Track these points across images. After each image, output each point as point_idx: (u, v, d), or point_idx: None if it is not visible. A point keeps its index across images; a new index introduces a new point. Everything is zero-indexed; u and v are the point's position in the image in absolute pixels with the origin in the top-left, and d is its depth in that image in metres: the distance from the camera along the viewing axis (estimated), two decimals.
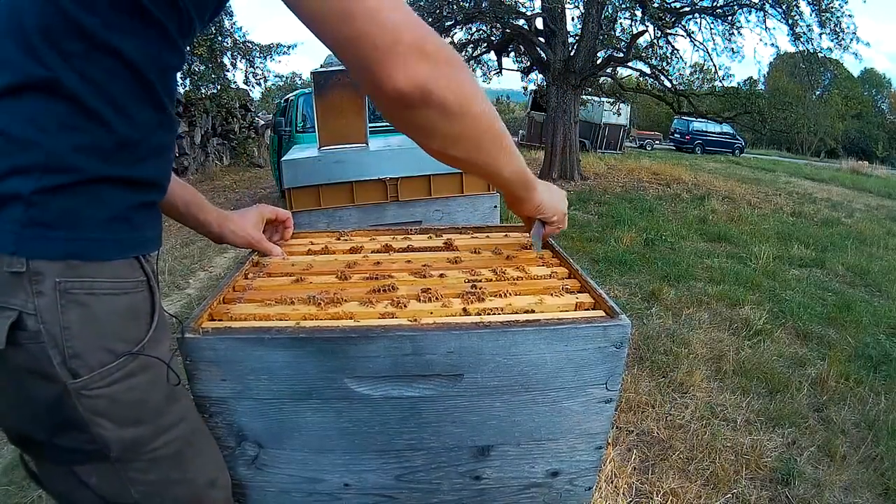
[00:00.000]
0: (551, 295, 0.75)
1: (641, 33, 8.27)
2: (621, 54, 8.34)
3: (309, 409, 0.67)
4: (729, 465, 1.79)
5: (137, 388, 0.55)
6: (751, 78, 11.00)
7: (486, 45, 9.76)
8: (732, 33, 8.44)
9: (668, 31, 8.27)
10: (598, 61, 8.34)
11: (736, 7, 8.16)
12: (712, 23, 8.53)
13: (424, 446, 0.70)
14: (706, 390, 2.28)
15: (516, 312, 0.70)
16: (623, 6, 8.05)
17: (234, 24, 9.16)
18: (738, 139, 19.65)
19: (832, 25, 7.61)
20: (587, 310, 0.72)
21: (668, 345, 2.65)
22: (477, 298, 0.73)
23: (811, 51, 8.12)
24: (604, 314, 0.70)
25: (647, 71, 8.85)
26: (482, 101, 0.58)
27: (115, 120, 0.51)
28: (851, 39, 7.66)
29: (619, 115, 13.13)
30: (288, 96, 6.87)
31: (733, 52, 8.63)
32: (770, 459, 1.84)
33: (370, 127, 2.19)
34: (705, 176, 9.93)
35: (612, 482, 1.64)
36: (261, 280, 0.82)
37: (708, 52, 8.80)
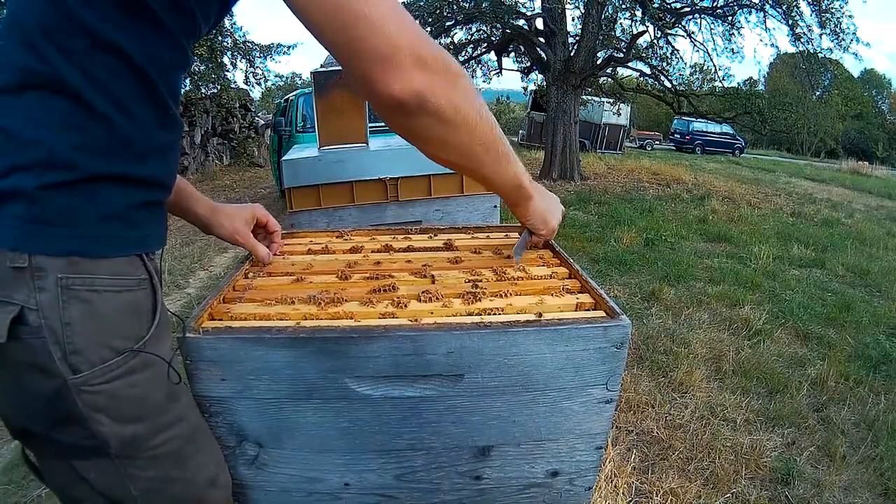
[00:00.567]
0: (552, 295, 0.75)
1: (641, 33, 8.27)
2: (621, 54, 8.34)
3: (309, 409, 0.67)
4: (729, 464, 1.79)
5: (138, 386, 0.55)
6: (751, 78, 11.02)
7: (486, 45, 9.75)
8: (732, 33, 8.44)
9: (668, 31, 8.26)
10: (598, 61, 8.33)
11: (736, 7, 8.16)
12: (712, 23, 8.53)
13: (425, 446, 0.70)
14: (706, 390, 2.28)
15: (517, 312, 0.70)
16: (623, 6, 8.05)
17: (234, 24, 9.17)
18: (738, 139, 19.64)
19: (832, 26, 7.60)
20: (587, 310, 0.72)
21: (668, 345, 2.65)
22: (477, 298, 0.73)
23: (811, 51, 8.12)
24: (604, 314, 0.70)
25: (647, 71, 8.85)
26: (478, 109, 0.59)
27: (117, 118, 0.51)
28: (851, 40, 7.66)
29: (619, 115, 13.12)
30: (288, 96, 6.87)
31: (733, 53, 8.63)
32: (770, 459, 1.84)
33: (370, 127, 2.19)
34: (705, 176, 9.93)
35: (611, 482, 1.64)
36: (261, 280, 0.82)
37: (708, 53, 8.80)
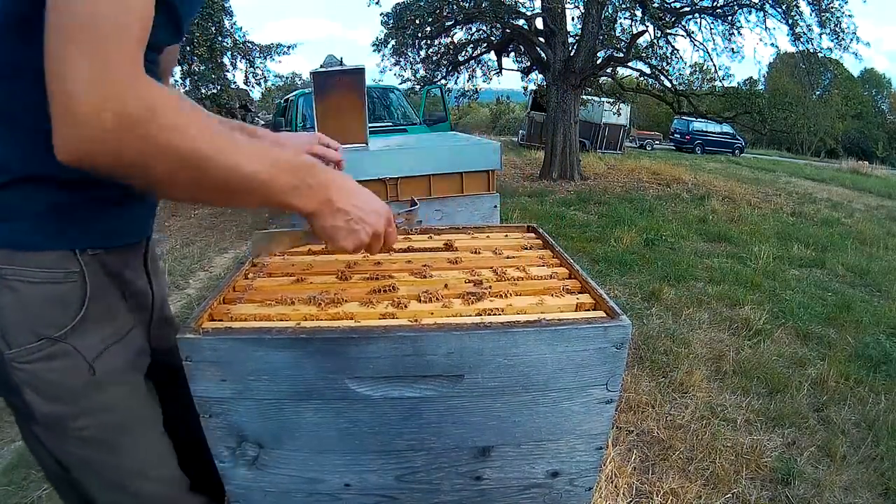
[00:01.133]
0: (552, 295, 0.75)
1: (641, 33, 8.26)
2: (621, 54, 8.33)
3: (309, 410, 0.67)
4: (729, 465, 1.79)
5: (56, 371, 0.61)
6: (751, 78, 10.98)
7: (486, 45, 9.75)
8: (732, 33, 8.44)
9: (668, 31, 8.26)
10: (598, 61, 8.33)
11: (736, 7, 8.16)
12: (712, 23, 8.53)
13: (425, 447, 0.70)
14: (706, 390, 2.28)
15: (517, 313, 0.70)
16: (623, 6, 8.05)
17: (234, 23, 9.16)
18: (738, 139, 19.63)
19: (832, 25, 7.61)
20: (588, 310, 0.72)
21: (668, 345, 2.65)
22: (477, 299, 0.73)
23: (811, 51, 8.12)
24: (604, 315, 0.70)
25: (647, 71, 8.84)
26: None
27: (38, 123, 0.53)
28: (851, 39, 7.66)
29: (619, 115, 13.11)
30: (288, 96, 6.88)
31: (733, 52, 8.63)
32: (770, 459, 1.84)
33: (370, 127, 2.19)
34: (705, 176, 9.93)
35: (612, 482, 1.64)
36: (261, 280, 0.82)
37: (708, 52, 8.80)
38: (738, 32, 8.40)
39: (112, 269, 0.66)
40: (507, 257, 0.91)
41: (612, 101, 10.69)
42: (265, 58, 9.60)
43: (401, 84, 9.26)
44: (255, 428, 0.67)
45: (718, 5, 8.25)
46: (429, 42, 9.51)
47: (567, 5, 8.32)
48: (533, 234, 1.07)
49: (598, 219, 5.67)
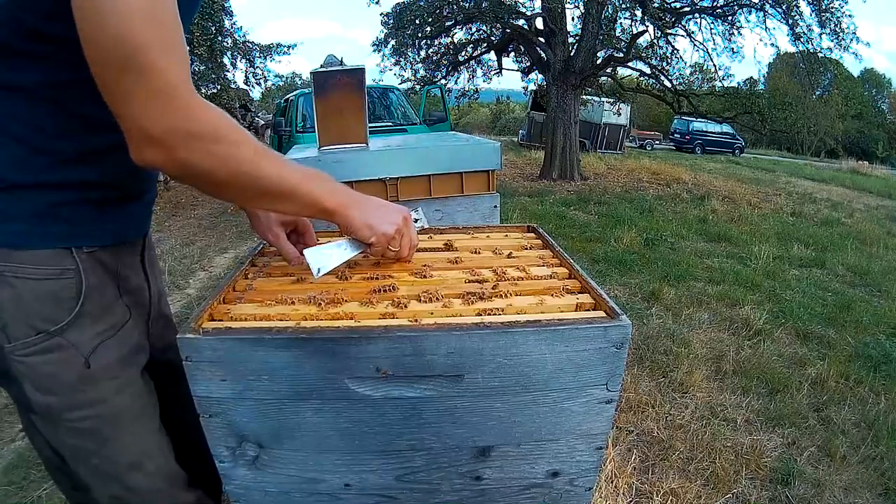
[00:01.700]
0: (552, 295, 0.75)
1: (641, 33, 8.26)
2: (621, 54, 8.33)
3: (309, 410, 0.67)
4: (729, 465, 1.79)
5: (50, 364, 0.63)
6: (751, 78, 10.98)
7: (486, 45, 9.75)
8: (732, 33, 8.44)
9: (668, 31, 8.26)
10: (598, 61, 8.33)
11: (736, 7, 8.16)
12: (712, 23, 8.53)
13: (425, 447, 0.70)
14: (706, 390, 2.28)
15: (517, 313, 0.70)
16: (623, 6, 8.05)
17: (234, 23, 9.16)
18: (738, 139, 19.63)
19: (832, 25, 7.61)
20: (588, 310, 0.72)
21: (668, 345, 2.65)
22: (477, 298, 0.73)
23: (811, 51, 8.12)
24: (604, 315, 0.69)
25: (647, 71, 8.84)
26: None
27: (31, 136, 0.59)
28: (851, 39, 7.66)
29: (619, 115, 13.12)
30: (288, 96, 6.88)
31: (733, 52, 8.63)
32: (770, 459, 1.84)
33: (370, 127, 2.19)
34: (705, 176, 9.94)
35: (612, 482, 1.64)
36: (261, 280, 0.82)
37: (708, 52, 8.80)
38: (738, 32, 8.41)
39: (108, 265, 0.68)
40: (508, 257, 0.91)
41: (612, 101, 10.69)
42: (265, 58, 9.61)
43: (401, 84, 9.26)
44: (255, 428, 0.67)
45: (718, 5, 8.25)
46: (429, 42, 9.51)
47: (567, 5, 8.32)
48: (533, 234, 1.07)
49: (598, 219, 5.67)
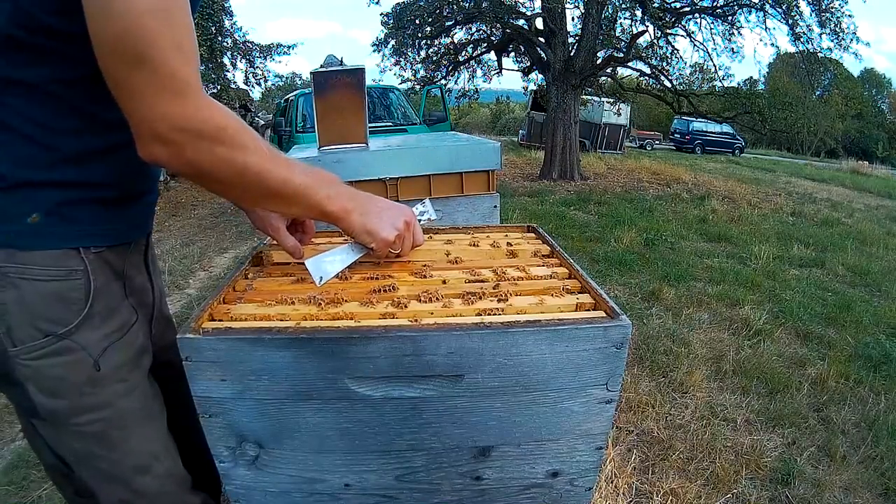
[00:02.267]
0: (552, 295, 0.75)
1: (641, 33, 8.26)
2: (621, 54, 8.33)
3: (309, 410, 0.67)
4: (729, 465, 1.79)
5: (58, 367, 0.62)
6: (751, 78, 10.99)
7: (486, 45, 9.75)
8: (732, 33, 8.43)
9: (668, 31, 8.26)
10: (598, 61, 8.32)
11: (736, 7, 8.15)
12: (712, 23, 8.52)
13: (425, 447, 0.70)
14: (706, 390, 2.28)
15: (517, 313, 0.70)
16: (623, 6, 8.04)
17: (234, 23, 9.17)
18: (738, 139, 19.63)
19: (832, 25, 7.60)
20: (588, 310, 0.72)
21: (668, 345, 2.65)
22: (477, 298, 0.73)
23: (811, 51, 8.11)
24: (604, 315, 0.69)
25: (647, 71, 8.83)
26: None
27: (38, 133, 0.58)
28: (851, 39, 7.66)
29: (620, 115, 13.11)
30: (288, 96, 6.89)
31: (733, 52, 8.62)
32: (770, 459, 1.84)
33: (370, 127, 2.19)
34: (705, 176, 9.93)
35: (612, 482, 1.64)
36: (261, 280, 0.82)
37: (708, 52, 8.80)
38: (738, 32, 8.40)
39: (115, 266, 0.67)
40: (508, 256, 0.91)
41: (612, 101, 10.69)
42: (265, 58, 9.62)
43: (401, 84, 9.27)
44: (255, 428, 0.67)
45: (718, 5, 8.24)
46: (429, 42, 9.50)
47: (567, 5, 8.32)
48: (533, 234, 1.07)
49: (598, 219, 5.67)
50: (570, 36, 8.60)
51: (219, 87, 8.67)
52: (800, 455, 1.88)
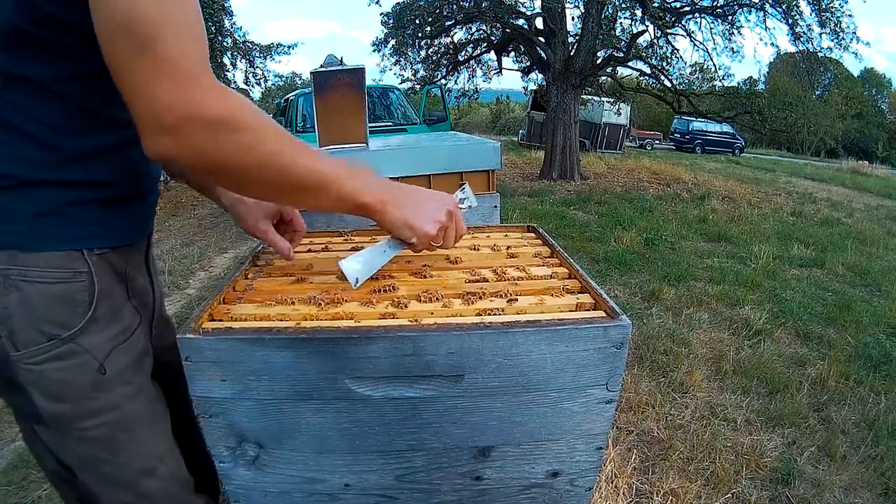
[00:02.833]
0: (552, 295, 0.75)
1: (641, 33, 8.26)
2: (621, 54, 8.33)
3: (309, 410, 0.67)
4: (729, 465, 1.79)
5: (63, 370, 0.60)
6: (751, 78, 10.99)
7: (486, 45, 9.75)
8: (732, 33, 8.43)
9: (668, 30, 8.26)
10: (598, 61, 8.32)
11: (736, 7, 8.15)
12: (712, 22, 8.52)
13: (425, 447, 0.70)
14: (706, 390, 2.28)
15: (517, 313, 0.70)
16: (623, 6, 8.05)
17: (234, 23, 9.17)
18: (738, 139, 19.63)
19: (832, 25, 7.60)
20: (588, 310, 0.72)
21: (668, 345, 2.65)
22: (477, 298, 0.73)
23: (811, 51, 8.11)
24: (604, 315, 0.69)
25: (647, 71, 8.84)
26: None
27: (41, 132, 0.57)
28: (851, 39, 7.66)
29: (620, 114, 13.11)
30: (288, 96, 6.88)
31: (733, 52, 8.62)
32: (770, 459, 1.84)
33: (370, 127, 2.18)
34: (705, 176, 9.93)
35: (612, 482, 1.64)
36: (261, 280, 0.82)
37: (708, 52, 8.80)
38: (738, 32, 8.40)
39: (118, 267, 0.67)
40: (508, 257, 0.91)
41: (612, 100, 10.69)
42: (265, 58, 9.63)
43: (401, 84, 9.26)
44: (255, 428, 0.67)
45: (718, 5, 8.24)
46: (429, 42, 9.50)
47: (567, 5, 8.31)
48: (533, 234, 1.07)
49: (598, 218, 5.67)
50: (570, 36, 8.59)
51: None
52: (800, 455, 1.88)
